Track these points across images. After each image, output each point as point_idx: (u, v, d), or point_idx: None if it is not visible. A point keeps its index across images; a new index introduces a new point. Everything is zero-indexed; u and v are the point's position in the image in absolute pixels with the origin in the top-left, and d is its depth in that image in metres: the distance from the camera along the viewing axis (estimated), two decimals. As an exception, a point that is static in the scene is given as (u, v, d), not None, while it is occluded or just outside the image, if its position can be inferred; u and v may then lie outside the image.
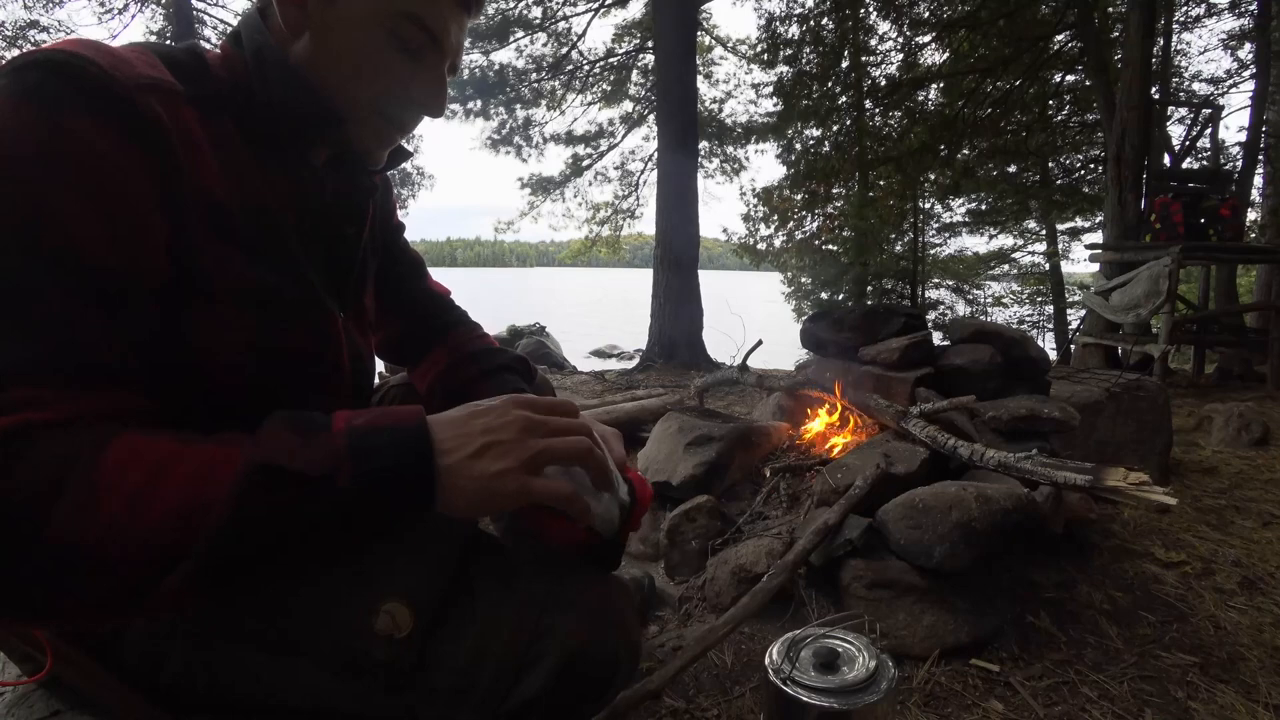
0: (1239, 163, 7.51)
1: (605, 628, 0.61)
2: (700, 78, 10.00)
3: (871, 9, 9.38)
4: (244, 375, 0.59)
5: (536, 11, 9.78)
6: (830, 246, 10.67)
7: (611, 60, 10.86)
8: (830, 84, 9.69)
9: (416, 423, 0.52)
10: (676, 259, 7.37)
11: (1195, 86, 9.62)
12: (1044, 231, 12.15)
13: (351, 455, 0.48)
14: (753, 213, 11.17)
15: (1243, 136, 7.50)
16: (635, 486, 0.68)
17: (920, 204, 10.55)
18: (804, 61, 9.52)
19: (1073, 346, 8.82)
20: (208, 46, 0.66)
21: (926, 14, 9.18)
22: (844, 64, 9.63)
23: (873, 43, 9.90)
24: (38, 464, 0.42)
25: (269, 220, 0.62)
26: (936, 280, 11.40)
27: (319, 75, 0.63)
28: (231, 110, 0.60)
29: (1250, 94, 7.45)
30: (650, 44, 9.47)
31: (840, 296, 10.15)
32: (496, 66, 10.07)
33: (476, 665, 0.57)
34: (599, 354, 11.46)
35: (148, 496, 0.43)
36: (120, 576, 0.43)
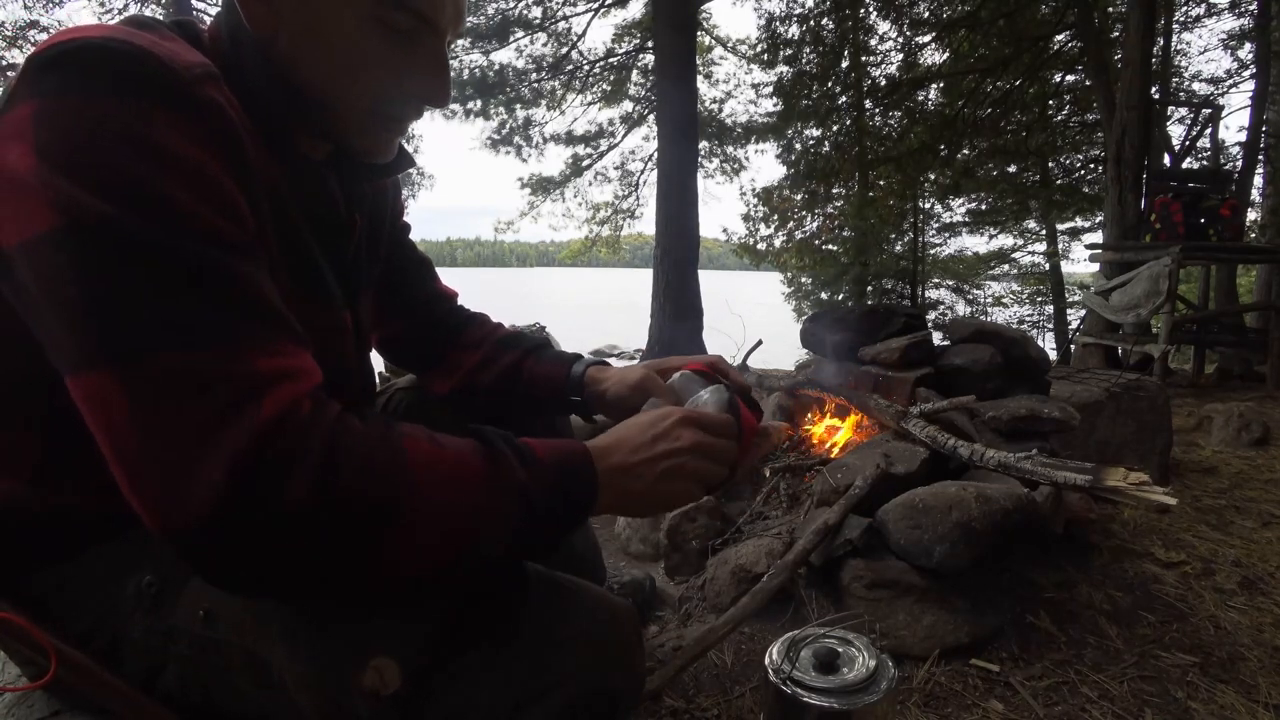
0: (1239, 163, 7.52)
1: (606, 664, 0.58)
2: (700, 78, 10.01)
3: (871, 9, 9.39)
4: None
5: (536, 11, 9.78)
6: (830, 246, 10.68)
7: (611, 60, 10.86)
8: (830, 84, 9.70)
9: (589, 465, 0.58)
10: (676, 259, 7.37)
11: (1195, 86, 9.63)
12: (1044, 231, 12.15)
13: (557, 475, 0.55)
14: (753, 213, 11.19)
15: (1243, 136, 7.51)
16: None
17: (920, 204, 10.55)
18: (804, 61, 9.53)
19: (1073, 346, 8.83)
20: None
21: (926, 14, 9.19)
22: (844, 64, 9.64)
23: (873, 43, 9.92)
24: (357, 456, 0.46)
25: (293, 219, 0.60)
26: (936, 280, 11.41)
27: (302, 72, 0.57)
28: (243, 97, 0.56)
29: (1250, 94, 7.46)
30: (650, 44, 9.46)
31: (840, 296, 10.15)
32: (496, 66, 10.07)
33: (471, 707, 0.54)
34: (599, 354, 11.44)
35: (461, 492, 0.50)
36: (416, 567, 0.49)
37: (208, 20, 0.63)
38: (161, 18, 0.58)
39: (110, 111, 0.45)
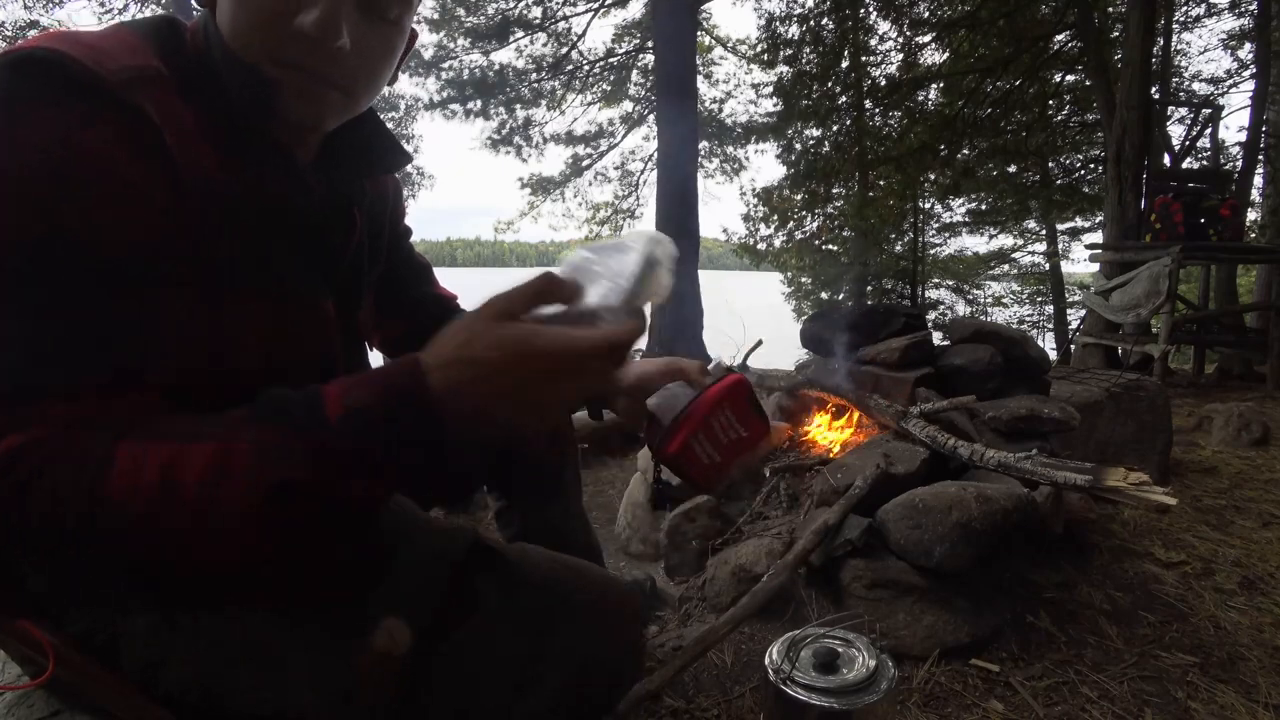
0: (1239, 162, 7.52)
1: (609, 639, 0.60)
2: (700, 78, 10.00)
3: (871, 9, 9.40)
4: (241, 370, 0.58)
5: (536, 11, 9.77)
6: (830, 246, 10.69)
7: (611, 60, 10.86)
8: (830, 84, 9.69)
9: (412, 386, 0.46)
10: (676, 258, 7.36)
11: (1195, 86, 9.65)
12: (1044, 231, 12.16)
13: (354, 438, 0.45)
14: (753, 213, 11.19)
15: (1243, 136, 7.51)
16: None
17: (920, 204, 10.57)
18: (804, 61, 9.53)
19: (1073, 346, 8.82)
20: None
21: (926, 14, 9.19)
22: (844, 64, 9.64)
23: (873, 43, 9.92)
24: (44, 490, 0.43)
25: (258, 211, 0.59)
26: (936, 280, 11.42)
27: (229, 37, 0.57)
28: (208, 94, 0.57)
29: (1250, 94, 7.46)
30: (650, 44, 9.46)
31: (840, 296, 10.16)
32: (496, 66, 10.07)
33: (478, 680, 0.56)
34: (599, 354, 11.43)
35: (164, 509, 0.44)
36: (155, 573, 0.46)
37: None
38: (152, 15, 0.59)
39: (21, 118, 0.47)
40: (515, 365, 0.46)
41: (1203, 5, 8.73)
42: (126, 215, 0.49)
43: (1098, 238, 7.65)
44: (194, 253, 0.54)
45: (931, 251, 11.37)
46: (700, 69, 10.11)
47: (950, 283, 11.70)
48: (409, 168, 10.53)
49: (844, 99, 9.85)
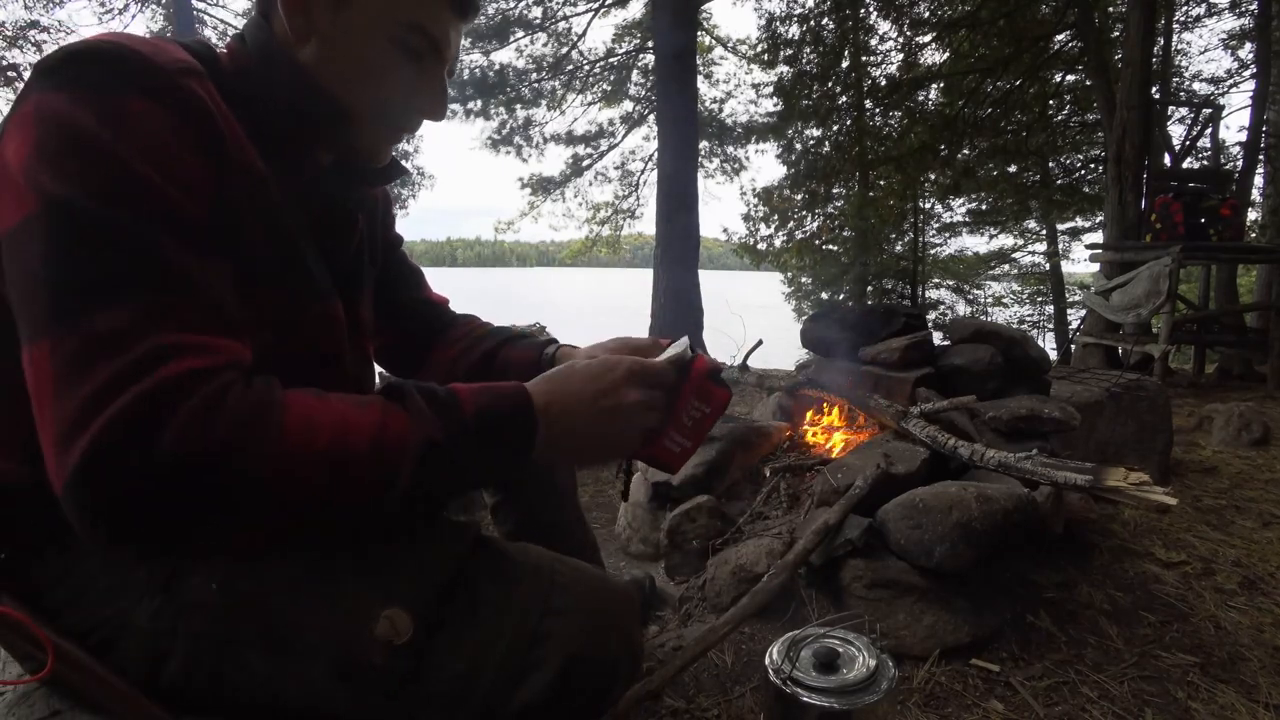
0: (1239, 162, 7.51)
1: (604, 632, 0.61)
2: (700, 78, 10.00)
3: (871, 9, 9.40)
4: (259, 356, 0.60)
5: (536, 11, 9.78)
6: (830, 246, 10.69)
7: (611, 60, 10.86)
8: (830, 84, 9.70)
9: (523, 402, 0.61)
10: (676, 259, 7.37)
11: (1195, 86, 9.64)
12: (1044, 231, 12.16)
13: (479, 423, 0.58)
14: (753, 213, 11.18)
15: (1243, 136, 7.49)
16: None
17: (920, 204, 10.57)
18: (804, 61, 9.53)
19: (1073, 346, 8.83)
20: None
21: (926, 14, 9.19)
22: (844, 64, 9.64)
23: (873, 43, 9.92)
24: (230, 418, 0.47)
25: (279, 213, 0.63)
26: (936, 280, 11.42)
27: (325, 79, 0.65)
28: (239, 105, 0.61)
29: (1250, 94, 7.44)
30: (650, 44, 9.46)
31: (840, 296, 10.17)
32: (496, 66, 10.07)
33: (475, 672, 0.57)
34: (599, 354, 11.42)
35: (339, 459, 0.50)
36: (295, 516, 0.51)
37: (207, 19, 0.67)
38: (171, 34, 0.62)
39: (91, 103, 0.50)
40: (603, 391, 0.64)
41: (1203, 5, 8.74)
42: (193, 185, 0.53)
43: (1098, 238, 7.65)
44: (234, 238, 0.57)
45: (932, 251, 11.37)
46: (700, 69, 10.11)
47: (950, 283, 11.70)
48: (409, 167, 10.56)
49: (844, 99, 9.86)
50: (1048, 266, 12.07)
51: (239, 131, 0.59)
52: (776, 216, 11.08)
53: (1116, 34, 7.67)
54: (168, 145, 0.52)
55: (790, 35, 9.45)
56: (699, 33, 9.27)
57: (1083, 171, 10.30)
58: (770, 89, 10.23)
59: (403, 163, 0.80)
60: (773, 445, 2.15)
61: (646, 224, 13.68)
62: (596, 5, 9.95)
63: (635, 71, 10.99)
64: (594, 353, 0.86)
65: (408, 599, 0.57)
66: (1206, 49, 15.37)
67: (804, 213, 10.95)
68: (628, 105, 11.31)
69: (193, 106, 0.54)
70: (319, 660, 0.57)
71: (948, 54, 9.46)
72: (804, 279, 11.30)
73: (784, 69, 9.76)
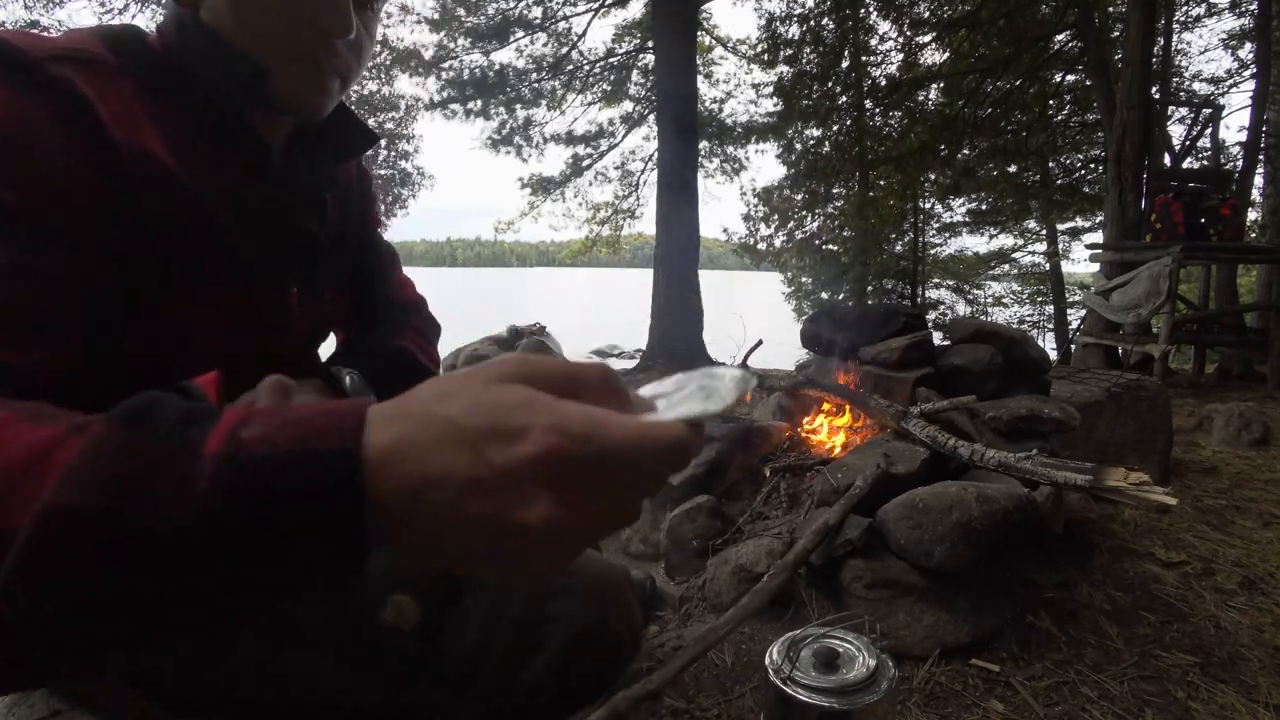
0: (1239, 162, 7.51)
1: (608, 611, 0.63)
2: (700, 78, 9.99)
3: (871, 9, 9.40)
4: (180, 355, 0.57)
5: (536, 11, 9.77)
6: (830, 246, 10.68)
7: (611, 60, 10.85)
8: (830, 84, 9.70)
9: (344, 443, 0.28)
10: (676, 259, 7.37)
11: (1195, 86, 9.63)
12: (1044, 231, 12.15)
13: (225, 496, 0.26)
14: (753, 213, 11.18)
15: (1243, 136, 7.49)
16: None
17: (920, 204, 10.56)
18: (804, 61, 9.53)
19: (1073, 346, 8.82)
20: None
21: (926, 14, 9.19)
22: (844, 64, 9.64)
23: (873, 43, 9.92)
24: None
25: (218, 196, 0.60)
26: (936, 280, 11.41)
27: (227, 33, 0.60)
28: (173, 89, 0.59)
29: (1250, 94, 7.44)
30: (650, 44, 9.46)
31: (840, 296, 10.16)
32: (496, 66, 10.06)
33: (482, 654, 0.58)
34: (600, 354, 11.45)
35: None
36: None
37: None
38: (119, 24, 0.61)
39: None
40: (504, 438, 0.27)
41: (1203, 5, 8.74)
42: (33, 177, 0.49)
43: (1098, 238, 7.64)
44: (138, 231, 0.54)
45: (931, 251, 11.36)
46: (700, 69, 10.11)
47: (950, 283, 11.69)
48: (409, 167, 10.52)
49: (844, 99, 9.86)
50: (1048, 266, 12.06)
51: (137, 117, 0.55)
52: (776, 216, 11.08)
53: (1116, 34, 7.67)
54: (11, 136, 0.49)
55: (790, 35, 9.45)
56: (699, 33, 9.27)
57: (1083, 171, 10.31)
58: (770, 89, 10.22)
59: (373, 130, 0.73)
60: (773, 445, 2.16)
61: (646, 224, 13.68)
62: (596, 5, 9.94)
63: (635, 71, 10.98)
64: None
65: (414, 585, 0.58)
66: (1206, 49, 15.36)
67: (804, 213, 10.96)
68: (628, 105, 11.30)
69: (61, 93, 0.51)
70: (327, 650, 0.57)
71: (948, 54, 9.46)
72: (804, 279, 11.29)
73: (784, 69, 9.76)
